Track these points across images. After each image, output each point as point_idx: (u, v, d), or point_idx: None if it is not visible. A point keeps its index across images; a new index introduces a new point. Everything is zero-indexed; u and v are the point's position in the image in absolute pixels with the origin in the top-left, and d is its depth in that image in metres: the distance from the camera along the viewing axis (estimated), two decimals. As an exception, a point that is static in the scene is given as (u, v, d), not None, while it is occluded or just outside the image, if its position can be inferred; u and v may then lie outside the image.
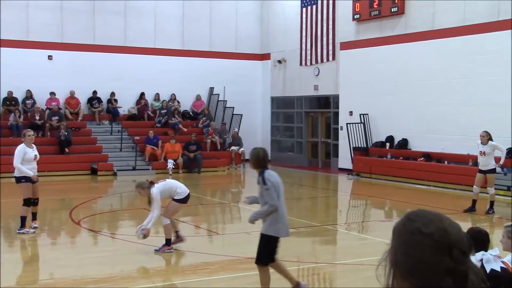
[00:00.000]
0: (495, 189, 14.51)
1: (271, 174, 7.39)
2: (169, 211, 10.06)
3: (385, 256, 1.81)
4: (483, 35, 18.57)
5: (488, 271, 4.69)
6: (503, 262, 4.91)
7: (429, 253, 1.73)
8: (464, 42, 19.13)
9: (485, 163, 13.97)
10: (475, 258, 4.80)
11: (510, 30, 17.76)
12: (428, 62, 20.30)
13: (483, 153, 13.95)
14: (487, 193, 14.16)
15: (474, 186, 14.28)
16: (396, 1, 21.43)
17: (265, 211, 7.21)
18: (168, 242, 10.03)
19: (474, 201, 14.22)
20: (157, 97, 26.33)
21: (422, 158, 20.24)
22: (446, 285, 1.71)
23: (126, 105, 25.74)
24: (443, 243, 1.73)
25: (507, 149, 17.47)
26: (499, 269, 4.78)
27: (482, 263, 4.78)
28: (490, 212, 14.04)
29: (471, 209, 14.14)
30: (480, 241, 5.03)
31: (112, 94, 25.35)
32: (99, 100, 25.18)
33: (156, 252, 9.95)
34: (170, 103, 26.33)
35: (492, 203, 14.11)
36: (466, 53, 19.04)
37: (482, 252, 4.91)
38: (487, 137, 13.97)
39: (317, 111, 26.42)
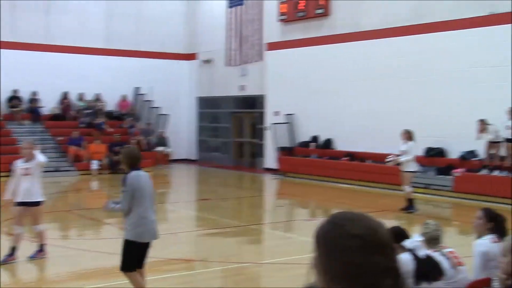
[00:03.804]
0: (413, 187, 14.87)
1: (133, 177, 6.99)
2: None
3: (315, 264, 1.72)
4: (404, 37, 19.11)
5: (423, 256, 5.17)
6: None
7: (364, 255, 1.66)
8: (387, 44, 19.62)
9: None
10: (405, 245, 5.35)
11: (428, 34, 18.36)
12: (353, 63, 20.70)
13: (402, 152, 14.29)
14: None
15: (403, 186, 14.64)
16: (321, 3, 21.74)
17: (117, 209, 6.92)
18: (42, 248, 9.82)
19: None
20: (81, 97, 25.76)
21: (346, 158, 20.62)
22: (386, 285, 1.65)
23: (48, 104, 25.05)
24: (375, 243, 1.68)
25: (426, 148, 18.03)
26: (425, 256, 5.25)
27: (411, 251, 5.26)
28: (411, 211, 14.34)
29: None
30: (403, 237, 5.57)
31: (34, 93, 24.63)
32: (20, 100, 24.41)
33: (31, 258, 9.68)
34: (94, 103, 25.80)
35: (410, 201, 14.43)
36: (389, 54, 19.53)
37: (410, 240, 5.50)
38: (405, 135, 14.35)
39: (244, 111, 26.48)
